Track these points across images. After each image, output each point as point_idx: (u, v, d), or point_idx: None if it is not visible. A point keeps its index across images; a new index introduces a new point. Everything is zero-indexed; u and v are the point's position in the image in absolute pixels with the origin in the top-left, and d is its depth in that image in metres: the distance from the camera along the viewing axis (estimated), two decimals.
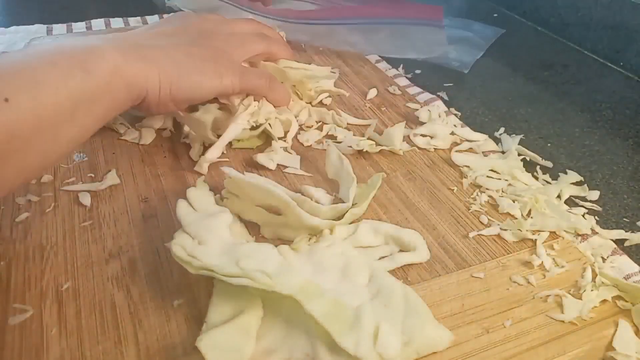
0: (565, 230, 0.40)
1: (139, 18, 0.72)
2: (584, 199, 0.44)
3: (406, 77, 0.61)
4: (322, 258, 0.34)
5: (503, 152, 0.49)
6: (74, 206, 0.40)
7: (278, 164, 0.45)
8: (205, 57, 0.43)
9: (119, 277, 0.34)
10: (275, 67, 0.50)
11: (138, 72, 0.38)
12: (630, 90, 0.62)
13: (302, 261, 0.34)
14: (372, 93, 0.57)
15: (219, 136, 0.45)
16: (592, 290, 0.35)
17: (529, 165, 0.47)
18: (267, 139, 0.48)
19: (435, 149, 0.48)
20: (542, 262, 0.37)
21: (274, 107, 0.48)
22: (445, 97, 0.58)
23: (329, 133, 0.50)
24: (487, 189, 0.44)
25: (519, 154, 0.48)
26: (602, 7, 0.67)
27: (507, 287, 0.35)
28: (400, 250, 0.37)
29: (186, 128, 0.47)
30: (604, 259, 0.38)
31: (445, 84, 0.61)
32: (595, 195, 0.45)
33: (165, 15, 0.74)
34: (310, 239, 0.36)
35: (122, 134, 0.48)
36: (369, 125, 0.50)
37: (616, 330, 0.33)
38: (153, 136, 0.47)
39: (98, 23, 0.70)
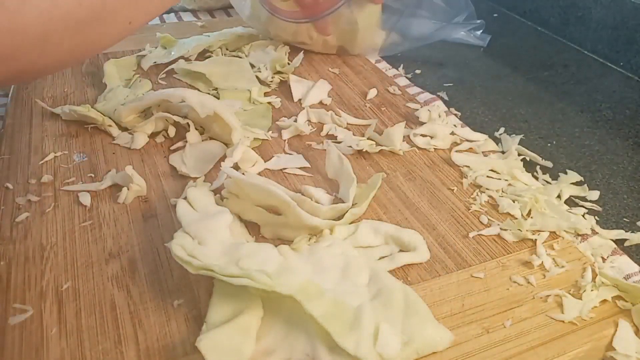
0: (565, 230, 0.40)
1: None
2: (584, 199, 0.44)
3: (406, 77, 0.61)
4: (322, 258, 0.34)
5: (503, 152, 0.49)
6: (74, 206, 0.40)
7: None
8: None
9: (119, 277, 0.34)
10: None
11: None
12: (630, 90, 0.62)
13: (302, 261, 0.34)
14: (372, 93, 0.57)
15: None
16: (592, 290, 0.35)
17: (529, 165, 0.47)
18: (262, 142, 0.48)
19: (435, 149, 0.48)
20: (542, 262, 0.37)
21: None
22: (445, 97, 0.58)
23: (329, 133, 0.50)
24: (487, 189, 0.44)
25: (519, 154, 0.48)
26: (602, 7, 0.67)
27: (507, 287, 0.35)
28: (400, 250, 0.37)
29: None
30: (604, 259, 0.38)
31: (445, 84, 0.61)
32: (595, 195, 0.45)
33: (165, 16, 0.74)
34: (310, 239, 0.37)
35: (115, 137, 0.48)
36: (369, 125, 0.50)
37: (616, 330, 0.33)
38: (145, 140, 0.47)
39: None
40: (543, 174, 0.46)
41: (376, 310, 0.31)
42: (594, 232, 0.40)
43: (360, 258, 0.35)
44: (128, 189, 0.41)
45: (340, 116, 0.52)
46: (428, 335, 0.30)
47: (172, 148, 0.47)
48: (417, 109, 0.54)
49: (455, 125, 0.52)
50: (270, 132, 0.50)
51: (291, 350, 0.30)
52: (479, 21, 0.65)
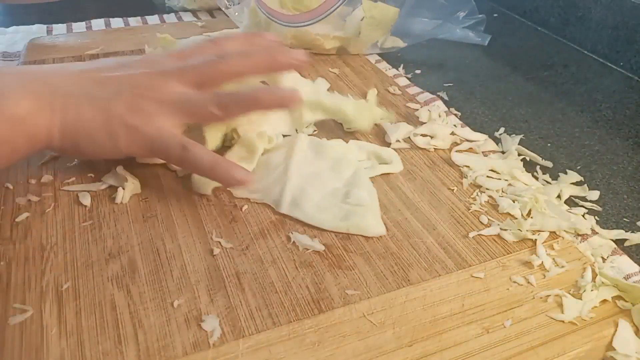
0: (565, 230, 0.40)
1: (139, 18, 0.72)
2: (584, 199, 0.44)
3: (406, 77, 0.61)
4: (324, 149, 0.44)
5: (503, 152, 0.49)
6: (74, 206, 0.40)
7: None
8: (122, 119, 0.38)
9: (119, 277, 0.34)
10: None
11: (41, 124, 0.37)
12: (630, 90, 0.62)
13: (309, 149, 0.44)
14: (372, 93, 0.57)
15: None
16: (592, 290, 0.35)
17: (529, 165, 0.47)
18: None
19: (435, 149, 0.48)
20: (542, 262, 0.37)
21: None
22: (445, 97, 0.58)
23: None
24: (487, 189, 0.44)
25: (519, 154, 0.48)
26: (602, 7, 0.67)
27: (507, 287, 0.35)
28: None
29: None
30: (604, 259, 0.38)
31: (445, 84, 0.61)
32: (595, 195, 0.45)
33: (165, 16, 0.74)
34: None
35: None
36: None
37: (616, 330, 0.33)
38: None
39: (98, 23, 0.70)
40: (543, 174, 0.46)
41: (340, 192, 0.41)
42: (594, 232, 0.40)
43: (352, 158, 0.45)
44: (123, 189, 0.41)
45: None
46: (364, 221, 0.38)
47: None
48: (417, 109, 0.54)
49: (455, 125, 0.52)
50: None
51: (267, 195, 0.40)
52: (480, 15, 0.64)
